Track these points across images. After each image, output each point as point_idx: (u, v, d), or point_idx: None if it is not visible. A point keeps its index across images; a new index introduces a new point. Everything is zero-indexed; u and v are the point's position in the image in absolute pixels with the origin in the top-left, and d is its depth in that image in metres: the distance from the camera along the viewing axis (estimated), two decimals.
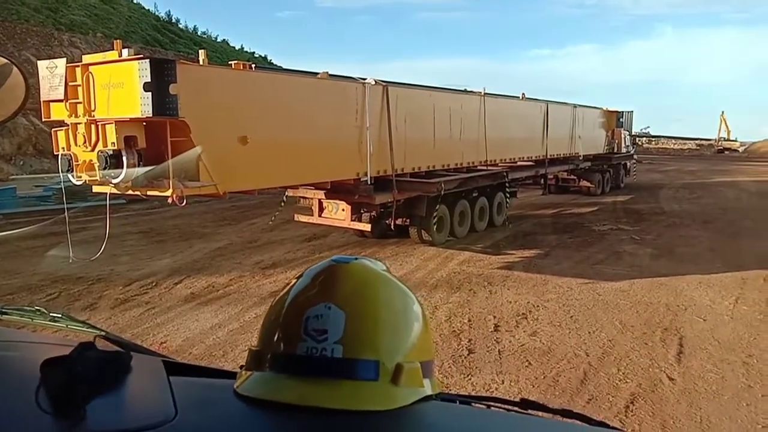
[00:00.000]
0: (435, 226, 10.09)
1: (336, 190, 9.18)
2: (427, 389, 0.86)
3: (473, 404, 0.99)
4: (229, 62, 7.63)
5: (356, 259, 0.91)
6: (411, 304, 0.91)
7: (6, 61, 1.42)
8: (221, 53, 36.92)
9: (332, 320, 0.81)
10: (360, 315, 0.83)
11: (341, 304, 0.83)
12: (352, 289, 0.86)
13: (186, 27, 43.22)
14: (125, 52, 5.94)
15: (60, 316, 1.31)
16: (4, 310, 1.29)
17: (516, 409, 0.95)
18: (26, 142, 20.70)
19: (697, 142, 61.20)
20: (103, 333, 1.13)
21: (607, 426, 0.95)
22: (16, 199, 13.85)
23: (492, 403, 0.98)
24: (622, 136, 20.46)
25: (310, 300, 0.85)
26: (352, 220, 9.69)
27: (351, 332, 0.81)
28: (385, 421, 0.77)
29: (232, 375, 0.89)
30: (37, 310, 1.32)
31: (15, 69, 1.41)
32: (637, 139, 37.02)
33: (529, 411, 0.94)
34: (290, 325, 0.83)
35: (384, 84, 9.22)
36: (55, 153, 6.63)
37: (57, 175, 6.73)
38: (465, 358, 5.24)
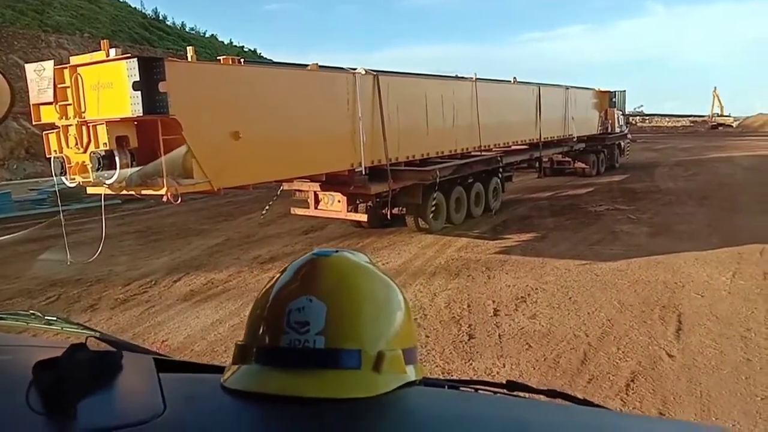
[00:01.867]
0: (431, 214, 10.11)
1: (331, 182, 9.18)
2: (411, 375, 0.88)
3: (460, 388, 1.00)
4: (218, 57, 7.59)
5: (337, 251, 0.94)
6: (392, 294, 0.93)
7: None
8: (210, 49, 36.73)
9: (314, 312, 0.84)
10: (341, 306, 0.85)
11: (322, 297, 0.85)
12: (332, 281, 0.88)
13: (174, 23, 43.03)
14: (113, 51, 5.91)
15: (55, 319, 1.33)
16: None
17: (503, 391, 0.96)
18: (18, 145, 20.62)
19: (690, 119, 61.27)
20: (97, 334, 1.15)
21: (592, 404, 0.96)
22: (12, 203, 13.82)
23: (478, 387, 1.00)
24: (616, 115, 20.47)
25: (292, 293, 0.87)
26: (348, 211, 9.70)
27: (332, 323, 0.83)
28: (368, 407, 0.79)
29: (221, 370, 0.91)
30: (32, 314, 1.34)
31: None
32: (631, 118, 37.01)
33: (516, 393, 0.96)
34: (273, 319, 0.86)
35: (374, 73, 9.18)
36: (48, 156, 6.62)
37: (51, 178, 6.71)
38: (465, 343, 5.26)
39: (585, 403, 0.96)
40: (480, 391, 0.99)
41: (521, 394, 0.96)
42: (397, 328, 0.90)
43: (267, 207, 10.37)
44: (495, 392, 0.97)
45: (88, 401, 0.70)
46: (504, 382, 0.97)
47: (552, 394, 0.95)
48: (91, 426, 0.68)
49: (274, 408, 0.78)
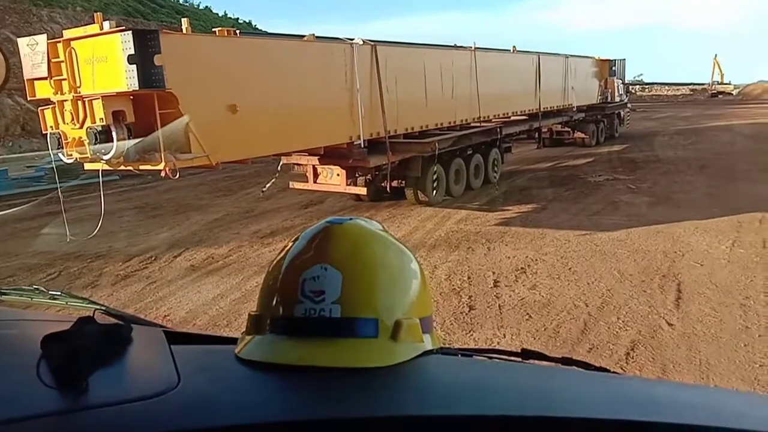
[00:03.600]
0: (431, 186, 10.07)
1: (330, 155, 9.12)
2: (428, 344, 0.87)
3: (474, 357, 1.00)
4: (214, 29, 7.48)
5: (351, 219, 0.92)
6: (407, 262, 0.92)
7: None
8: (205, 21, 36.16)
9: (329, 281, 0.82)
10: (356, 274, 0.84)
11: (337, 265, 0.83)
12: (347, 249, 0.87)
13: None
14: (106, 24, 5.82)
15: (59, 293, 1.32)
16: (3, 291, 1.30)
17: (517, 359, 0.96)
18: (14, 122, 20.46)
19: (690, 87, 60.80)
20: (103, 308, 1.13)
21: (608, 371, 0.96)
22: (9, 181, 13.77)
23: (493, 355, 0.99)
24: (615, 85, 20.28)
25: (306, 262, 0.85)
26: (347, 185, 9.67)
27: (348, 292, 0.82)
28: (386, 376, 0.78)
29: (233, 341, 0.90)
30: (36, 289, 1.33)
31: None
32: (631, 87, 36.73)
33: (530, 360, 0.96)
34: (288, 288, 0.84)
35: (372, 44, 9.07)
36: (44, 132, 6.56)
37: (48, 154, 6.66)
38: (466, 314, 5.29)
39: (601, 370, 0.96)
40: (494, 359, 0.99)
41: (536, 362, 0.95)
42: (413, 297, 0.89)
43: (268, 183, 10.32)
44: (509, 360, 0.97)
45: (101, 374, 0.69)
46: (518, 350, 0.97)
47: (567, 361, 0.94)
48: (104, 400, 0.67)
49: (291, 378, 0.77)
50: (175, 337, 0.94)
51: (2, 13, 24.62)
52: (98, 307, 1.17)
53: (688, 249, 6.99)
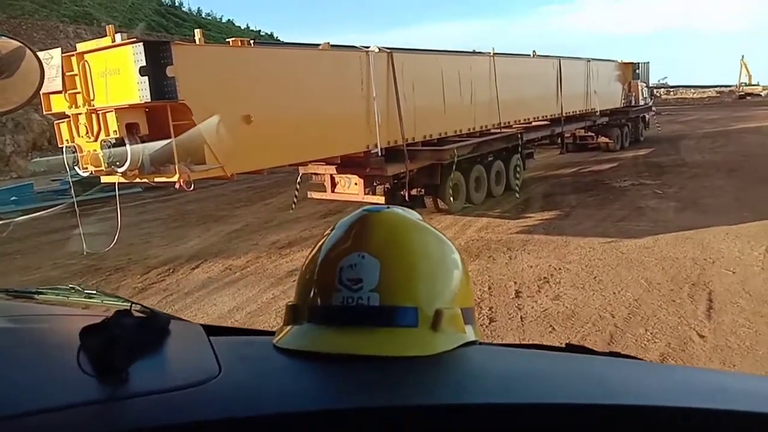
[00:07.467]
0: (450, 194, 9.92)
1: (347, 165, 9.03)
2: (470, 335, 0.84)
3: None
4: (227, 40, 7.46)
5: (388, 207, 0.90)
6: (448, 251, 0.89)
7: (19, 44, 1.31)
8: (227, 33, 36.57)
9: (366, 269, 0.80)
10: (395, 262, 0.82)
11: (375, 253, 0.82)
12: (385, 237, 0.85)
13: (190, 10, 43.02)
14: (118, 37, 5.81)
15: (95, 292, 1.35)
16: (40, 290, 1.32)
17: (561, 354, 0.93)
18: (40, 136, 20.88)
19: (717, 89, 59.57)
20: (139, 304, 1.11)
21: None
22: (34, 194, 13.96)
23: (536, 350, 0.96)
24: (639, 88, 19.94)
25: (343, 251, 0.84)
26: (365, 194, 9.54)
27: (386, 280, 0.80)
28: (426, 365, 0.77)
29: (271, 333, 0.90)
30: (71, 288, 1.35)
31: (29, 52, 1.30)
32: (655, 90, 36.12)
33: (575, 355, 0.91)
34: (325, 277, 0.83)
35: (388, 51, 8.97)
36: (60, 145, 6.58)
37: (71, 168, 6.67)
38: (486, 327, 5.11)
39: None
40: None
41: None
42: (454, 287, 0.86)
43: (294, 198, 10.28)
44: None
45: (141, 364, 0.69)
46: (563, 345, 0.92)
47: (615, 356, 0.90)
48: (146, 389, 0.66)
49: (330, 366, 0.76)
50: (213, 330, 0.94)
51: (31, 31, 25.22)
52: (134, 303, 1.14)
53: (718, 256, 6.72)
